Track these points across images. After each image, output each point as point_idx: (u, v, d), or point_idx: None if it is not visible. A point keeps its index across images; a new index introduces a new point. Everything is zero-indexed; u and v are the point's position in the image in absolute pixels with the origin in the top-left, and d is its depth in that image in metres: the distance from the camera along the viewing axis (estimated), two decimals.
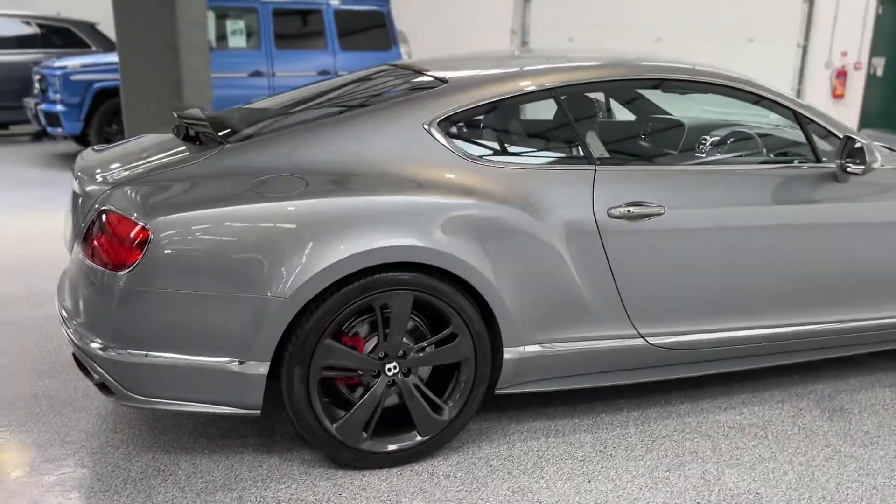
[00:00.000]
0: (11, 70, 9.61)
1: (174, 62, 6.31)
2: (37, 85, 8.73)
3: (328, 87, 3.17)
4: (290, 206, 2.33)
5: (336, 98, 2.97)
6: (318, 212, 2.34)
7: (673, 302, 2.79)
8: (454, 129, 2.63)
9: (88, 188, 2.49)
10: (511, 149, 2.80)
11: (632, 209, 2.64)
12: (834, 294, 2.99)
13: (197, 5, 6.49)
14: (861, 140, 2.85)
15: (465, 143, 2.62)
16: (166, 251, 2.25)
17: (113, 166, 2.60)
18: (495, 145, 2.82)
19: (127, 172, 2.50)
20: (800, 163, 2.98)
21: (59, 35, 10.30)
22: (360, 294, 2.36)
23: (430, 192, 2.46)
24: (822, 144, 3.01)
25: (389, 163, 2.50)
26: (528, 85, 2.71)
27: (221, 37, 9.00)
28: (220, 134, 2.54)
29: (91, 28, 10.62)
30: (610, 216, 2.62)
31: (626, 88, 3.33)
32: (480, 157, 2.60)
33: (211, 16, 9.09)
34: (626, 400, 3.05)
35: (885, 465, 2.61)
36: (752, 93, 2.94)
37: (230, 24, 8.88)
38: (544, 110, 2.91)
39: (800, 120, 2.96)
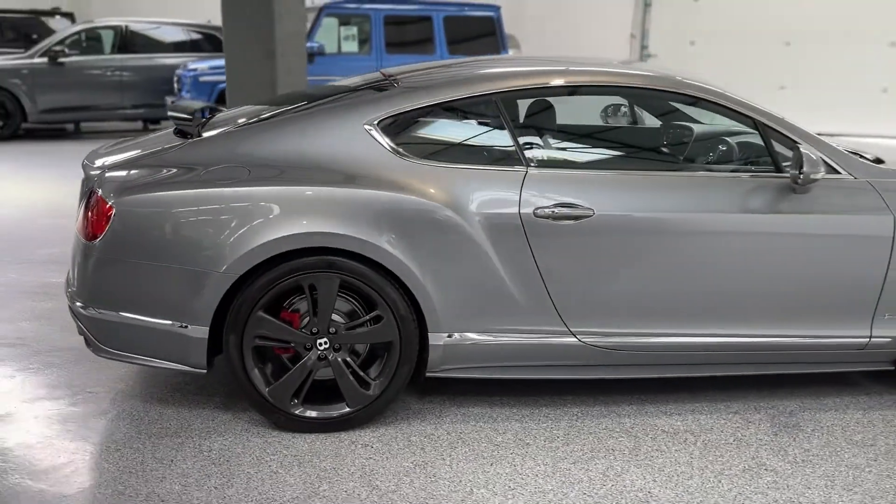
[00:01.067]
0: (167, 72, 10.77)
1: (271, 66, 6.91)
2: (175, 85, 9.79)
3: (318, 90, 3.49)
4: (229, 192, 2.67)
5: (314, 99, 3.27)
6: (251, 198, 2.67)
7: (605, 303, 2.87)
8: (394, 130, 2.86)
9: (89, 173, 2.96)
10: (446, 149, 2.97)
11: (558, 210, 2.75)
12: (773, 308, 2.92)
13: (294, 17, 7.06)
14: (810, 150, 2.78)
15: (402, 142, 2.84)
16: (125, 226, 2.66)
17: (113, 155, 3.06)
18: (431, 146, 2.99)
19: (119, 159, 2.95)
20: (758, 172, 2.94)
21: (210, 41, 11.42)
22: (287, 274, 2.66)
23: (359, 185, 2.72)
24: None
25: (330, 158, 2.78)
26: (467, 91, 2.90)
27: (346, 38, 9.65)
28: (195, 129, 2.93)
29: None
30: (536, 216, 2.75)
31: (567, 95, 3.29)
32: (415, 155, 2.82)
33: (333, 23, 9.77)
34: (574, 396, 3.14)
35: (802, 482, 2.56)
36: (708, 101, 2.94)
37: (343, 31, 9.49)
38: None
39: (759, 128, 2.93)
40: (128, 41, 11.10)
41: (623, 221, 2.80)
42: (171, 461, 2.61)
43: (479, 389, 3.14)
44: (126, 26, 11.10)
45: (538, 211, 2.75)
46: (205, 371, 2.78)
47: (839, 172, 2.94)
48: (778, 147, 2.96)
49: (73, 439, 2.75)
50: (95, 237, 2.71)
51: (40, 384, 3.19)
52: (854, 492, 2.50)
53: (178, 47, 11.43)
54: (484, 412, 3.01)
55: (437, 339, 2.80)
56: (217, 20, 12.18)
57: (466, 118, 2.99)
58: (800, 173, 2.73)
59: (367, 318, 2.76)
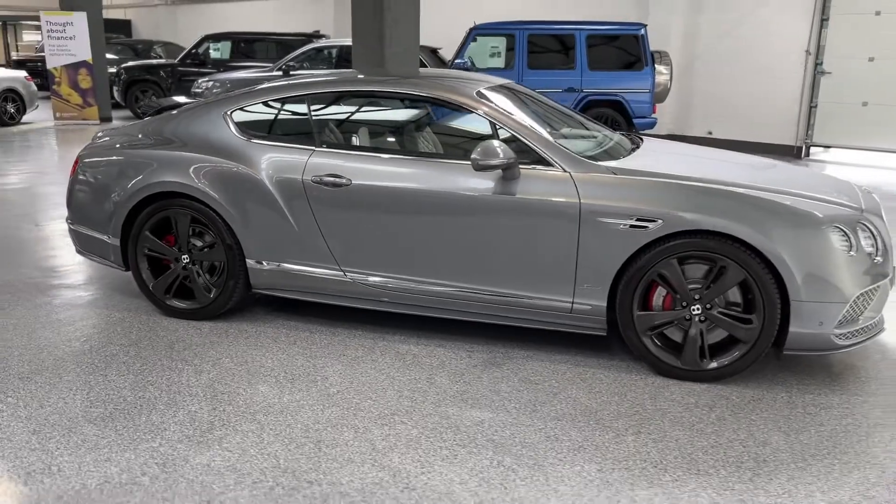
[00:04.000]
0: None
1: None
2: None
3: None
4: (137, 153, 4.18)
5: None
6: (148, 157, 4.14)
7: (361, 249, 3.87)
8: (239, 117, 4.14)
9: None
10: (267, 133, 4.12)
11: (326, 178, 3.84)
12: (492, 268, 3.67)
13: (405, 37, 8.49)
14: (496, 144, 3.50)
15: (241, 126, 4.12)
16: (81, 170, 4.31)
17: (109, 131, 4.73)
18: (258, 129, 4.15)
19: (103, 135, 4.61)
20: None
21: None
22: (161, 209, 4.10)
23: (208, 153, 4.05)
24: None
25: (205, 135, 4.15)
26: (288, 93, 4.09)
27: (492, 56, 10.88)
28: (151, 114, 4.49)
29: (431, 52, 13.46)
30: (313, 182, 3.86)
31: (350, 97, 4.16)
32: (247, 136, 4.08)
33: (483, 41, 10.96)
34: (367, 325, 4.15)
35: (487, 403, 3.36)
36: (449, 103, 3.78)
37: (490, 48, 10.70)
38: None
39: (492, 127, 3.69)
40: (346, 57, 13.40)
41: (370, 190, 3.79)
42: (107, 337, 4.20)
43: (320, 312, 4.30)
44: (348, 45, 13.43)
45: (314, 178, 3.86)
46: (125, 270, 4.32)
47: (552, 165, 3.60)
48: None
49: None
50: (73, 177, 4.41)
51: (71, 292, 5.01)
52: (510, 411, 3.27)
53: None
54: (303, 325, 4.17)
55: (251, 264, 4.04)
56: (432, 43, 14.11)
57: (285, 111, 4.16)
58: (473, 159, 3.49)
59: (207, 244, 4.10)
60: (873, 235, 3.54)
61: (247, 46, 15.80)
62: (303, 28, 19.44)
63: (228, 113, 4.16)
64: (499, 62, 10.81)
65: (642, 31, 10.59)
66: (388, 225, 3.81)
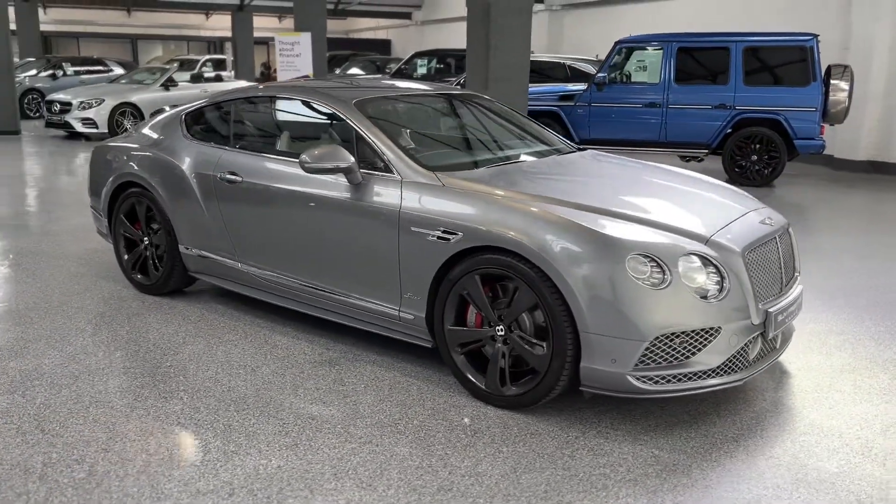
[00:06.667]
0: None
1: (483, 91, 8.66)
2: None
3: None
4: (120, 146, 4.90)
5: None
6: (125, 151, 4.84)
7: (249, 243, 4.17)
8: (188, 120, 4.65)
9: None
10: (200, 134, 4.52)
11: (227, 176, 4.21)
12: (336, 268, 3.76)
13: (506, 52, 8.61)
14: (330, 146, 3.58)
15: (189, 127, 4.63)
16: (92, 157, 5.14)
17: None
18: (195, 131, 4.59)
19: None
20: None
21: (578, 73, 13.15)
22: (130, 196, 4.78)
23: (163, 151, 4.63)
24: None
25: (168, 135, 4.75)
26: (220, 98, 4.51)
27: (636, 70, 10.43)
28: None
29: (565, 66, 13.18)
30: (220, 179, 4.26)
31: (260, 102, 4.47)
32: (188, 137, 4.58)
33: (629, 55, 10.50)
34: (283, 318, 4.45)
35: (317, 395, 3.57)
36: (337, 112, 3.92)
37: (636, 62, 10.24)
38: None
39: (354, 134, 3.78)
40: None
41: (253, 187, 4.09)
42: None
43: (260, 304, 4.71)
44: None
45: (220, 176, 4.26)
46: (110, 242, 5.08)
47: (392, 172, 3.61)
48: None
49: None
50: None
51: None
52: (341, 406, 3.45)
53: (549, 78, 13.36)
54: (231, 310, 4.59)
55: (182, 249, 4.55)
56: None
57: (218, 116, 4.57)
58: (300, 161, 3.61)
59: (156, 228, 4.69)
60: (719, 272, 3.06)
61: (452, 62, 16.69)
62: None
63: (183, 116, 4.72)
64: (643, 76, 10.29)
65: (812, 43, 9.44)
66: (263, 220, 4.08)
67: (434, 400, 3.38)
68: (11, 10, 24.24)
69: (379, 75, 18.20)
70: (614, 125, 10.31)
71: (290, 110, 4.35)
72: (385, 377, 3.61)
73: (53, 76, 19.48)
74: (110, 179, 4.88)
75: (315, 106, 4.11)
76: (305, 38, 16.05)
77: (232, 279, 4.41)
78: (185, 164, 4.46)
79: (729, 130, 9.85)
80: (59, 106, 14.22)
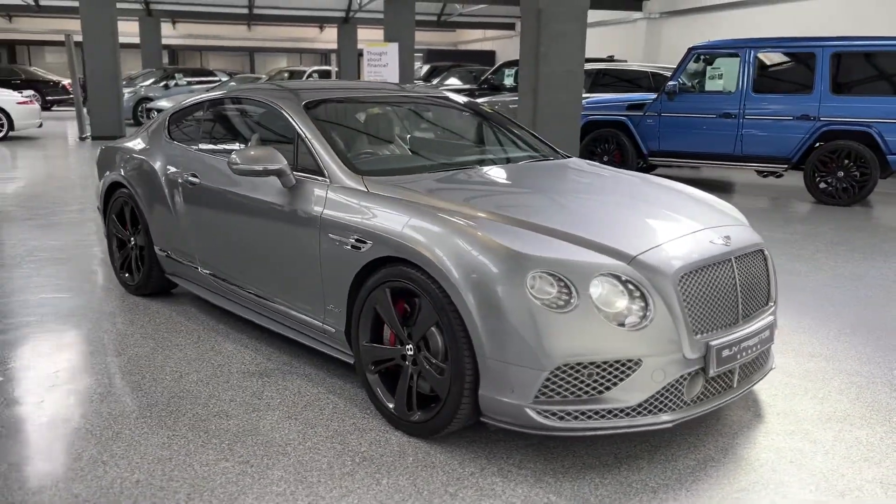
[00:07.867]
0: None
1: (533, 100, 8.36)
2: None
3: None
4: (121, 147, 4.95)
5: None
6: (120, 150, 4.89)
7: (203, 246, 4.07)
8: (171, 122, 4.62)
9: None
10: (177, 136, 4.45)
11: (189, 178, 4.14)
12: (269, 275, 3.59)
13: (555, 60, 8.29)
14: (259, 147, 3.41)
15: (170, 129, 4.59)
16: (100, 152, 5.23)
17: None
18: (174, 133, 4.54)
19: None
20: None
21: (650, 79, 12.58)
22: (119, 197, 4.82)
23: (144, 154, 4.64)
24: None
25: (155, 138, 4.76)
26: (199, 99, 4.43)
27: (711, 78, 9.73)
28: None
29: (649, 75, 12.54)
30: (183, 181, 4.20)
31: (226, 103, 4.33)
32: (168, 138, 4.55)
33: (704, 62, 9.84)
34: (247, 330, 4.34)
35: (247, 405, 3.46)
36: (285, 114, 3.76)
37: (710, 70, 9.55)
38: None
39: (296, 135, 3.60)
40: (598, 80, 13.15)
41: (207, 189, 3.99)
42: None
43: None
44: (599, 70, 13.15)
45: (184, 178, 4.19)
46: (104, 231, 5.14)
47: (323, 176, 3.40)
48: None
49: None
50: None
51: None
52: (271, 415, 3.32)
53: (620, 87, 12.79)
54: (200, 315, 4.53)
55: (157, 250, 4.53)
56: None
57: (192, 118, 4.50)
58: (229, 161, 3.44)
59: (139, 229, 4.69)
60: (643, 297, 2.66)
61: None
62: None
63: (167, 118, 4.71)
64: (717, 85, 9.58)
65: None
66: (215, 223, 3.97)
67: (342, 421, 3.13)
68: (136, 24, 25.95)
69: (389, 81, 18.04)
70: (685, 137, 9.66)
71: (248, 112, 4.23)
72: (308, 393, 3.39)
73: (166, 86, 20.60)
74: (102, 181, 4.94)
75: (267, 107, 3.96)
76: (392, 49, 16.16)
77: (196, 283, 4.34)
78: (158, 166, 4.44)
79: (813, 143, 8.99)
80: (156, 113, 14.97)
